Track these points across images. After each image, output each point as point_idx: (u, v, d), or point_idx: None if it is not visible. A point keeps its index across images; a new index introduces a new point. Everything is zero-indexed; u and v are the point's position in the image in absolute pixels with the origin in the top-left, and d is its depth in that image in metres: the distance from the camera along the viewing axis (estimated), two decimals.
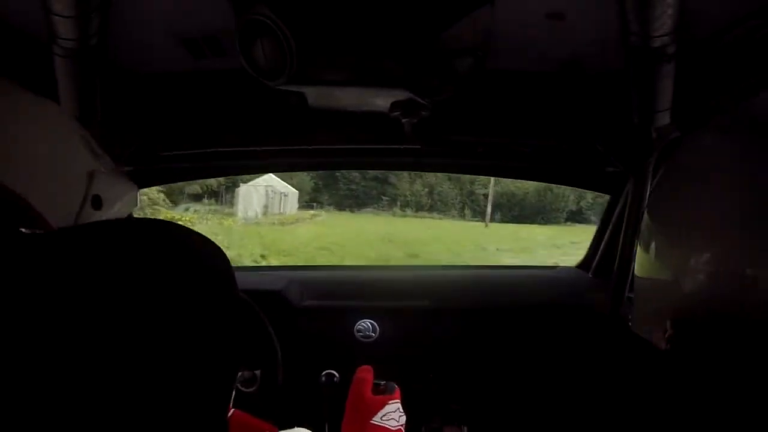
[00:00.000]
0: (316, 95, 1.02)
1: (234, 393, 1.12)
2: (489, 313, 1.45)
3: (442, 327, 1.45)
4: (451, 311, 1.46)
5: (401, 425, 0.84)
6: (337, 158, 1.45)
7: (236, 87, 1.09)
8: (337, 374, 1.36)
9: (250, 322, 1.18)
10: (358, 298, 1.49)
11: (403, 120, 1.07)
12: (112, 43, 0.86)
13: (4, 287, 0.30)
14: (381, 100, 1.04)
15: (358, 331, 1.45)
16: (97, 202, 0.51)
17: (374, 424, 0.80)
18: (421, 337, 1.45)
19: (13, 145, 0.48)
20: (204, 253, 0.37)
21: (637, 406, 0.38)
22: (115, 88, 1.00)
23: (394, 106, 1.04)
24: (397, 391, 0.88)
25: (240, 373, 1.11)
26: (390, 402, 0.85)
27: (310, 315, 1.46)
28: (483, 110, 1.17)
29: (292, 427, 1.05)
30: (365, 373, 0.88)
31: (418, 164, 1.61)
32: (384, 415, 0.82)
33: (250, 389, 1.15)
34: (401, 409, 0.86)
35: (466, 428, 1.43)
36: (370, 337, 1.45)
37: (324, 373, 1.37)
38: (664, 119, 0.90)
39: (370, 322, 1.46)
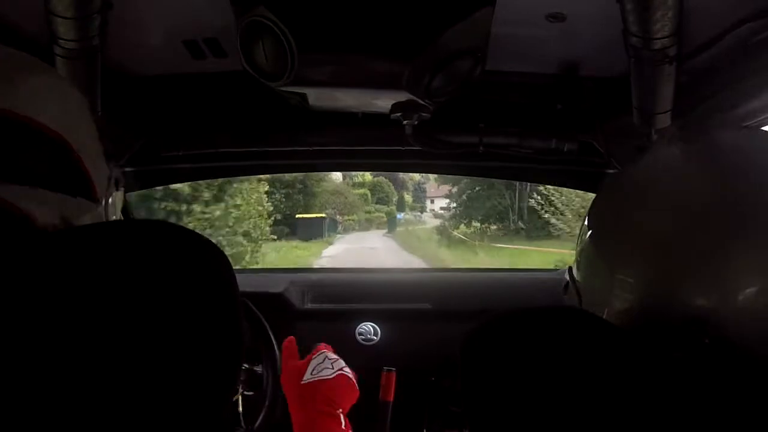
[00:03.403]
0: (317, 96, 1.02)
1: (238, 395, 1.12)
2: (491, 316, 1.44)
3: (444, 329, 1.44)
4: (453, 314, 1.45)
5: (341, 370, 0.78)
6: (339, 159, 1.45)
7: (237, 88, 1.09)
8: None
9: (250, 324, 1.18)
10: (359, 301, 1.49)
11: (404, 122, 1.07)
12: (113, 45, 0.86)
13: (5, 288, 0.30)
14: (382, 102, 1.04)
15: (360, 333, 1.45)
16: (118, 183, 0.50)
17: (306, 383, 0.75)
18: (423, 339, 1.44)
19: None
20: (205, 254, 0.37)
21: (638, 408, 0.38)
22: (116, 90, 1.00)
23: (395, 107, 1.04)
24: (321, 345, 0.83)
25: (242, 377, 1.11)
26: (314, 356, 0.79)
27: (311, 318, 1.46)
28: (484, 111, 1.17)
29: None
30: (286, 345, 0.84)
31: (420, 166, 1.60)
32: (313, 370, 0.77)
33: (252, 392, 1.15)
34: (332, 355, 0.80)
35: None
36: (371, 340, 1.44)
37: None
38: (665, 121, 0.90)
39: (371, 325, 1.45)
